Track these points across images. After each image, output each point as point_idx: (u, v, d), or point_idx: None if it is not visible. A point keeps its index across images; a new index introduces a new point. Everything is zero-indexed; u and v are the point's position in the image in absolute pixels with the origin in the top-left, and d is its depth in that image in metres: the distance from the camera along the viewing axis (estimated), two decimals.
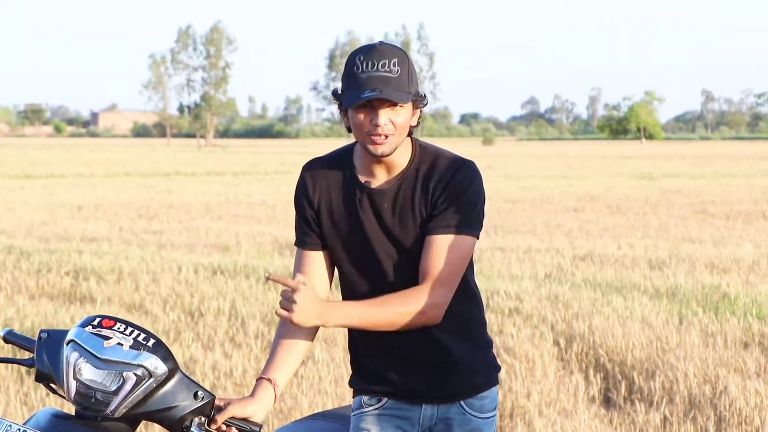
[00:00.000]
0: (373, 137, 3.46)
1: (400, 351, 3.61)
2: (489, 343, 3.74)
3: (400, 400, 3.65)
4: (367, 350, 3.66)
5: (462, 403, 3.64)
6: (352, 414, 3.72)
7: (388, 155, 3.50)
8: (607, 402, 8.27)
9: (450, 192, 3.51)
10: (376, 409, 3.66)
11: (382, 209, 3.56)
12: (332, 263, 3.69)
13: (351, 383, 3.76)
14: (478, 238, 3.56)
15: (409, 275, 3.55)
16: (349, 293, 3.64)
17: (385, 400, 3.66)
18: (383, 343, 3.61)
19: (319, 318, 3.36)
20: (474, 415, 3.65)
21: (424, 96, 3.55)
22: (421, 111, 3.57)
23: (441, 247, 3.49)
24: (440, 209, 3.51)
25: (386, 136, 3.45)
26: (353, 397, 3.76)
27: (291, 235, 18.48)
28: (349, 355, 3.80)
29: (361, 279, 3.61)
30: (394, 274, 3.57)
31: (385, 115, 3.43)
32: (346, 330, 3.81)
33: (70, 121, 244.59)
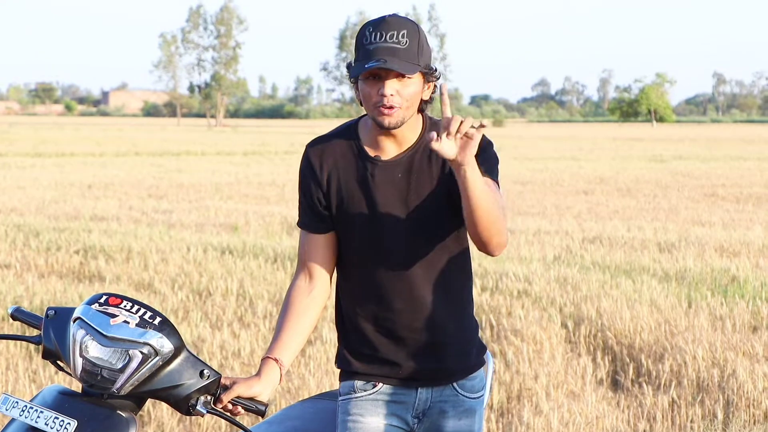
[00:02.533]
0: (380, 108, 3.42)
1: (398, 333, 3.58)
2: (477, 325, 3.74)
3: (396, 385, 3.61)
4: (361, 332, 3.61)
5: (455, 384, 3.63)
6: (341, 399, 3.66)
7: (395, 127, 3.46)
8: (615, 385, 8.26)
9: None
10: (370, 394, 3.61)
11: (395, 179, 3.52)
12: (337, 244, 3.66)
13: (340, 364, 3.69)
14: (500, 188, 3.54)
15: (419, 251, 3.52)
16: (356, 273, 3.60)
17: (380, 385, 3.61)
18: (378, 324, 3.58)
19: (473, 157, 3.25)
20: (467, 396, 3.64)
21: (436, 69, 3.51)
22: (435, 86, 3.53)
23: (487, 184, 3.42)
24: None
25: (393, 108, 3.42)
26: (341, 381, 3.69)
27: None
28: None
29: (368, 255, 3.56)
30: (405, 250, 3.53)
31: (391, 86, 3.40)
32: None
33: (81, 100, 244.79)
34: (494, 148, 3.57)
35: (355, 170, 3.57)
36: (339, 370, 3.71)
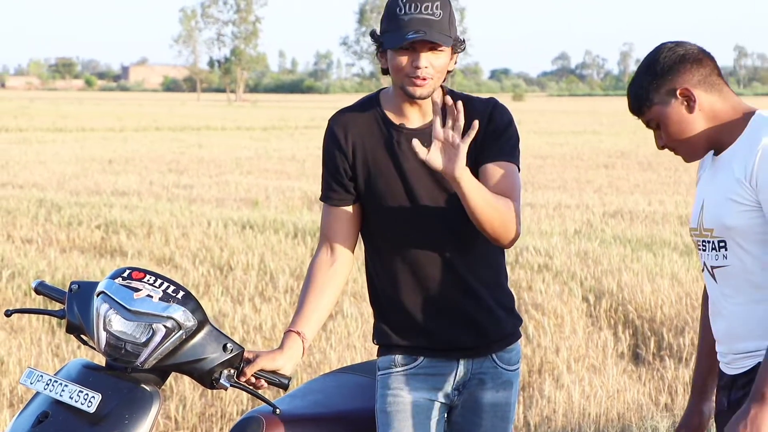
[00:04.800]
0: (412, 79, 3.44)
1: (436, 303, 3.57)
2: (512, 296, 3.74)
3: (437, 357, 3.60)
4: (399, 305, 3.59)
5: (494, 356, 3.63)
6: (380, 373, 3.65)
7: (425, 98, 3.48)
8: (636, 358, 8.26)
9: (492, 131, 3.52)
10: (411, 368, 3.61)
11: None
12: (360, 218, 3.66)
13: (379, 339, 3.68)
14: (519, 170, 3.58)
15: (452, 218, 3.51)
16: (389, 246, 3.58)
17: (420, 359, 3.60)
18: (415, 295, 3.57)
19: (462, 167, 3.30)
20: (504, 368, 3.64)
21: (463, 41, 3.54)
22: (457, 56, 3.55)
23: (499, 171, 3.49)
24: (487, 144, 3.51)
25: (425, 79, 3.43)
26: (379, 355, 3.68)
27: (320, 191, 18.41)
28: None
29: (401, 226, 3.55)
30: (438, 217, 3.53)
31: (426, 58, 3.42)
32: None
33: (101, 75, 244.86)
34: (512, 121, 3.59)
35: (382, 139, 3.57)
36: (377, 346, 3.69)
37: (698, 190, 3.41)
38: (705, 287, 3.55)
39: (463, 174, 3.29)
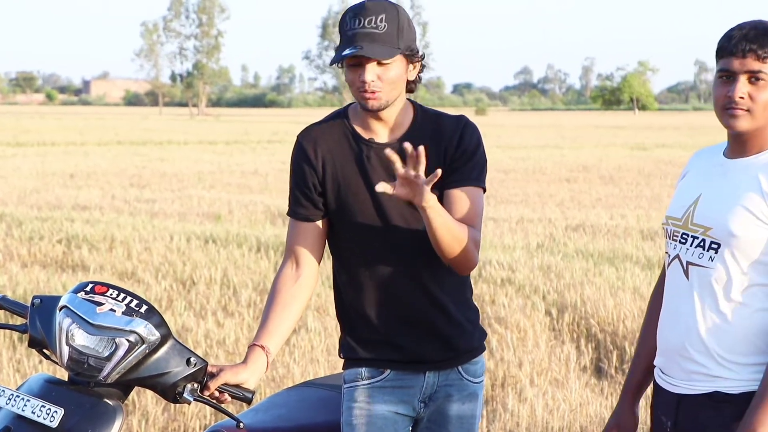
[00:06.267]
0: (362, 93, 3.46)
1: (404, 317, 3.59)
2: (477, 308, 3.77)
3: (404, 370, 3.61)
4: (367, 318, 3.60)
5: (460, 368, 3.65)
6: (346, 386, 3.65)
7: (378, 110, 3.49)
8: (599, 372, 8.29)
9: (462, 152, 3.54)
10: (378, 381, 3.62)
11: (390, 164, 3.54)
12: (326, 233, 3.67)
13: (345, 353, 3.68)
14: (485, 191, 3.61)
15: (420, 233, 3.52)
16: (356, 260, 3.60)
17: (387, 372, 3.62)
18: (384, 308, 3.58)
19: (428, 198, 3.31)
20: (470, 380, 3.67)
21: (418, 50, 3.54)
22: (421, 65, 3.57)
23: (465, 198, 3.52)
24: (456, 167, 3.53)
25: (375, 92, 3.45)
26: (345, 369, 3.68)
27: (283, 205, 18.48)
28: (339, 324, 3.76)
29: (370, 240, 3.56)
30: (406, 232, 3.55)
31: (371, 72, 3.43)
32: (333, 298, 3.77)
33: (62, 89, 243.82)
34: (481, 141, 3.62)
35: (351, 154, 3.58)
36: (343, 359, 3.70)
37: (689, 183, 3.35)
38: (659, 283, 3.48)
39: (428, 202, 3.33)
